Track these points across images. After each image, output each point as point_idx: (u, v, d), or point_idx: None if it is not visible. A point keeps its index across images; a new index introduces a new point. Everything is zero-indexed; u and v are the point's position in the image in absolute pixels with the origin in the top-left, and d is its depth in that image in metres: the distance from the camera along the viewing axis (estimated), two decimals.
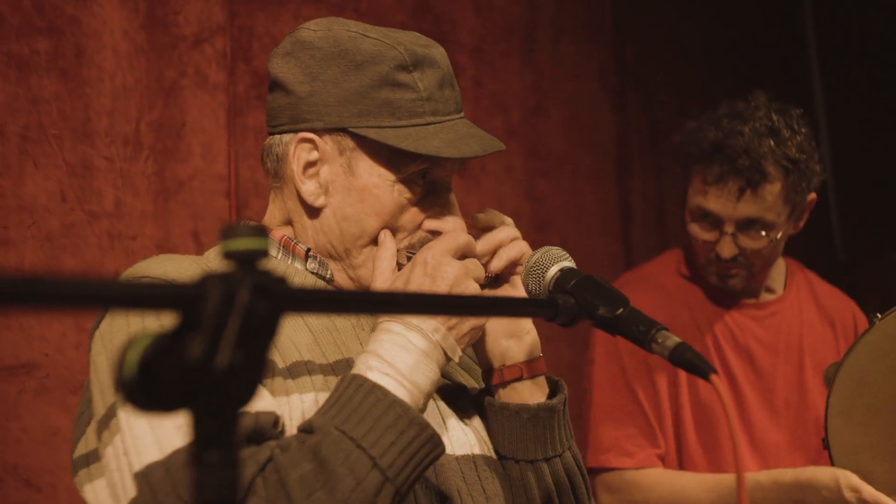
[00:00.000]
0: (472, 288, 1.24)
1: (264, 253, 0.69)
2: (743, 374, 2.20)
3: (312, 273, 1.36)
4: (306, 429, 1.14)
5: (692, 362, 1.05)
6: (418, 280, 1.23)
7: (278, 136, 1.36)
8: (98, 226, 2.03)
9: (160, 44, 2.16)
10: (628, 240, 3.23)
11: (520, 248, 1.34)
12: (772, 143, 2.04)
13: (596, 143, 3.18)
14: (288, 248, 1.37)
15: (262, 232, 0.70)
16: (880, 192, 3.85)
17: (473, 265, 1.27)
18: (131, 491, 1.11)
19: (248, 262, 0.68)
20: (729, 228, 2.10)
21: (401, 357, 1.19)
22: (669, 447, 2.16)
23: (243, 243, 0.69)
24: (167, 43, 2.18)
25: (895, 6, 3.76)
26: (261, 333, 0.67)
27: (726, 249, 2.10)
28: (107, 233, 2.05)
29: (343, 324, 1.32)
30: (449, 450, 1.31)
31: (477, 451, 1.34)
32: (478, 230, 1.38)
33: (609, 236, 3.19)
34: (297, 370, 1.23)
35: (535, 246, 1.36)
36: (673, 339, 1.08)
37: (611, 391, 2.17)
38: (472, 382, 1.44)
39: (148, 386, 0.64)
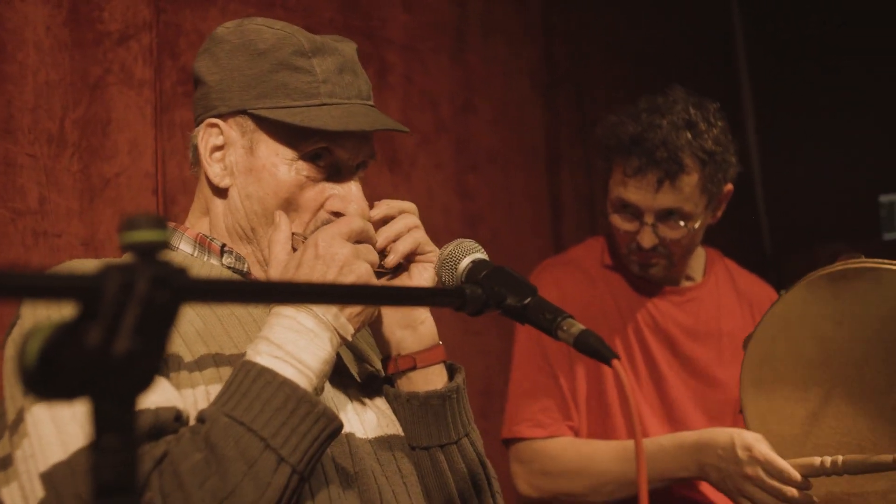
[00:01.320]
0: (363, 269, 1.26)
1: (164, 244, 0.71)
2: (664, 358, 2.27)
3: (229, 268, 1.38)
4: (200, 418, 1.16)
5: (595, 348, 1.09)
6: (308, 263, 1.25)
7: (197, 127, 1.41)
8: (22, 223, 2.01)
9: (84, 40, 2.15)
10: (559, 234, 3.29)
11: (414, 238, 1.37)
12: (689, 135, 2.11)
13: (526, 138, 3.22)
14: (203, 244, 1.40)
15: (162, 223, 0.72)
16: (807, 187, 3.95)
17: (366, 250, 1.30)
18: (39, 492, 1.12)
19: (147, 253, 0.70)
20: (649, 219, 2.17)
21: (290, 339, 1.21)
22: (583, 424, 2.22)
23: (143, 235, 0.71)
24: (92, 39, 2.16)
25: (823, 5, 3.86)
26: (160, 322, 0.69)
27: (646, 239, 2.17)
28: (31, 230, 2.04)
29: (258, 312, 1.34)
30: (361, 433, 1.34)
31: (390, 431, 1.38)
32: (375, 226, 1.39)
33: (540, 231, 3.24)
34: (204, 362, 1.25)
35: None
36: (578, 327, 1.12)
37: (530, 370, 2.23)
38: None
39: (48, 374, 0.66)
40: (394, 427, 1.39)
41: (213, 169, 1.39)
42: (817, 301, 1.88)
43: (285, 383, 1.17)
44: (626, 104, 2.25)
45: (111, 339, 0.66)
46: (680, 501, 2.22)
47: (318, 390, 1.23)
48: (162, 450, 1.12)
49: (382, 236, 1.36)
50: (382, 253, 1.36)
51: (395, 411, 1.40)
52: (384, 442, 1.36)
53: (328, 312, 1.23)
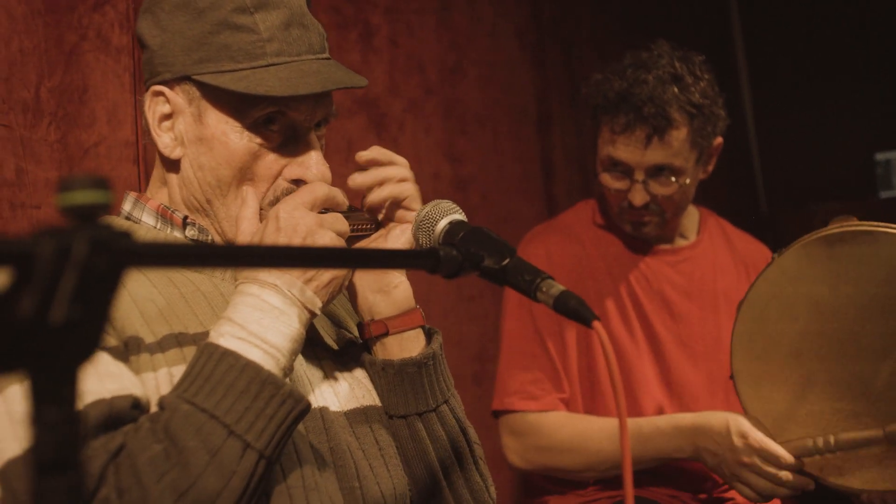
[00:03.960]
0: (327, 238, 1.20)
1: (105, 207, 0.67)
2: (658, 318, 2.24)
3: (192, 241, 1.33)
4: (160, 405, 1.11)
5: (575, 310, 1.06)
6: (270, 236, 1.19)
7: (145, 93, 1.34)
8: None
9: (58, 6, 2.10)
10: (551, 196, 3.25)
11: (404, 188, 1.31)
12: (675, 89, 2.08)
13: (515, 100, 3.17)
14: (165, 216, 1.34)
15: (103, 184, 0.68)
16: (803, 145, 3.90)
17: (333, 218, 1.24)
18: None
19: (86, 216, 0.67)
20: (639, 176, 2.14)
21: (254, 318, 1.15)
22: (575, 393, 2.19)
23: (81, 196, 0.67)
24: (66, 5, 2.11)
25: None
26: (100, 289, 0.66)
27: (638, 197, 2.14)
28: (8, 202, 2.00)
29: (227, 289, 1.29)
30: (336, 406, 1.30)
31: (366, 402, 1.34)
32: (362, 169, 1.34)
33: (531, 194, 3.20)
34: (167, 343, 1.20)
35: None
36: (557, 288, 1.08)
37: (520, 338, 2.20)
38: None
39: None
40: (370, 397, 1.35)
41: (163, 139, 1.32)
42: (813, 264, 1.85)
43: (249, 365, 1.12)
44: (611, 62, 2.21)
45: (46, 307, 0.63)
46: (671, 479, 2.20)
47: (288, 370, 1.17)
48: (118, 442, 1.07)
49: (370, 175, 1.30)
50: (361, 204, 1.30)
51: (371, 379, 1.36)
52: (360, 414, 1.32)
53: (293, 287, 1.17)
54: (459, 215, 1.25)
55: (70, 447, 0.64)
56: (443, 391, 1.35)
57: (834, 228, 1.84)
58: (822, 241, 1.84)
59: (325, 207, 1.25)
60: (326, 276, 1.20)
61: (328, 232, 1.20)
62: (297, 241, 1.18)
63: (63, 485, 0.61)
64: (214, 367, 1.11)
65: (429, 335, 1.37)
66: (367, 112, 2.73)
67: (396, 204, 1.32)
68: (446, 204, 1.27)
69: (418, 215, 1.28)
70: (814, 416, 1.88)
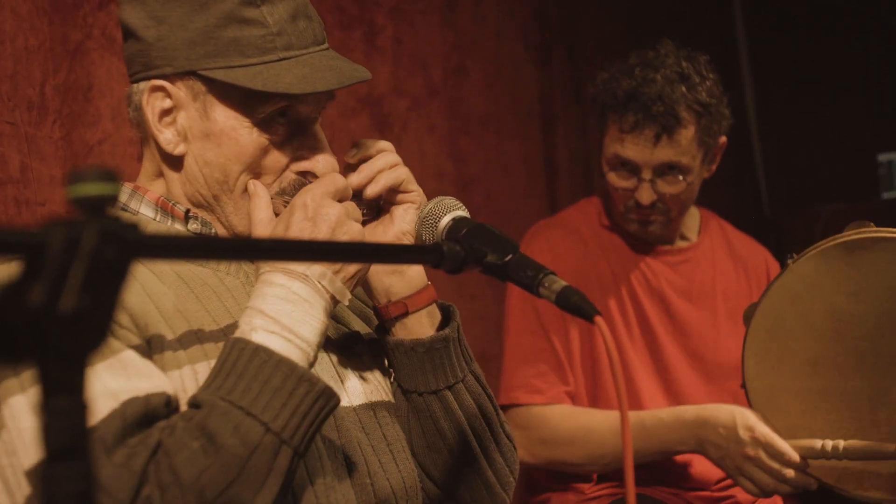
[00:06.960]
0: (355, 230, 1.21)
1: (113, 198, 0.68)
2: (658, 319, 2.25)
3: (195, 234, 1.31)
4: (194, 404, 1.11)
5: (577, 305, 1.06)
6: (299, 224, 1.19)
7: (135, 84, 1.31)
8: (3, 192, 1.98)
9: (63, 4, 2.11)
10: (554, 197, 3.26)
11: (398, 174, 1.31)
12: (683, 88, 2.09)
13: (519, 100, 3.18)
14: (166, 209, 1.32)
15: (112, 176, 0.68)
16: (806, 147, 3.91)
17: (352, 208, 1.24)
18: (25, 488, 1.07)
19: (95, 207, 0.67)
20: (647, 175, 2.14)
21: (285, 310, 1.15)
22: (580, 386, 2.20)
23: (90, 188, 0.67)
24: (71, 3, 2.12)
25: None
26: (109, 279, 0.66)
27: (645, 196, 2.15)
28: (13, 199, 2.00)
29: (232, 283, 1.29)
30: (346, 402, 1.30)
31: (375, 398, 1.34)
32: (354, 167, 1.34)
33: (534, 194, 3.20)
34: (187, 340, 1.20)
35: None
36: (559, 283, 1.09)
37: (524, 333, 2.21)
38: (365, 328, 1.44)
39: None
40: (377, 393, 1.35)
41: (165, 135, 1.29)
42: (831, 271, 1.80)
43: (282, 362, 1.12)
44: (617, 61, 2.22)
45: (56, 297, 0.63)
46: (674, 474, 2.20)
47: (313, 363, 1.18)
48: (156, 438, 1.07)
49: (363, 172, 1.30)
50: (361, 192, 1.31)
51: (395, 360, 1.36)
52: (368, 409, 1.33)
53: (324, 278, 1.17)
54: (462, 212, 1.26)
55: (79, 435, 0.64)
56: (468, 361, 1.37)
57: (853, 234, 1.78)
58: (841, 247, 1.78)
59: (342, 198, 1.25)
60: (353, 267, 1.20)
61: (355, 223, 1.22)
62: (325, 229, 1.19)
63: (72, 472, 0.62)
64: (248, 363, 1.11)
65: (442, 308, 1.38)
66: (371, 111, 2.74)
67: (394, 190, 1.33)
68: (449, 200, 1.28)
69: (422, 212, 1.29)
70: (829, 425, 1.84)
